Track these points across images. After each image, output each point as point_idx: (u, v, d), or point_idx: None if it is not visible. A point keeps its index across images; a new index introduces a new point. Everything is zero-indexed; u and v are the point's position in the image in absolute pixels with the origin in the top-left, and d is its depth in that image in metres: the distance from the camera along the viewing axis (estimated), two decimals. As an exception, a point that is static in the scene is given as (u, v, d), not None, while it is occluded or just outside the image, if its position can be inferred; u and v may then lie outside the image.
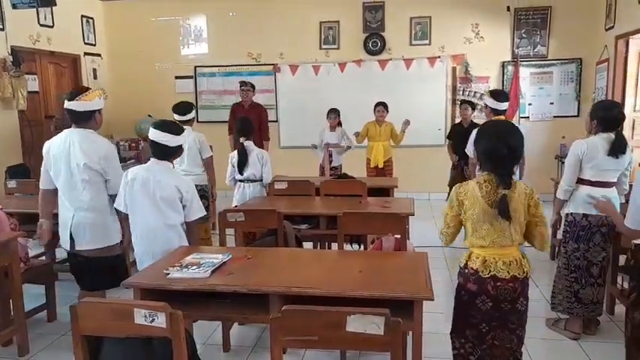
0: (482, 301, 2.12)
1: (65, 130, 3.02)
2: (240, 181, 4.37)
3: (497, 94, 4.34)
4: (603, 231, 3.12)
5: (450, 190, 7.00)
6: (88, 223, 2.99)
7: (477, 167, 4.26)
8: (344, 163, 6.18)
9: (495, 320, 2.13)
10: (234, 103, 6.40)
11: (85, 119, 2.96)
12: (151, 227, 2.79)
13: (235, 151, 4.37)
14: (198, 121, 7.71)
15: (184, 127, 4.56)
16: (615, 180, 3.15)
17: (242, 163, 4.30)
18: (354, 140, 6.05)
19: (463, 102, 6.29)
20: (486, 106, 4.39)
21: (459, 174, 6.15)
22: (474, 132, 4.31)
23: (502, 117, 4.30)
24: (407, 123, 5.93)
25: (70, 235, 2.99)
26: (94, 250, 3.02)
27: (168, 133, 2.81)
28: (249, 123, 4.50)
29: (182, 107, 4.66)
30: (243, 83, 6.14)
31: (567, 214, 3.23)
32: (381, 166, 5.99)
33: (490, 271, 2.09)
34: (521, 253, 2.16)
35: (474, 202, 2.08)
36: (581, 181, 3.14)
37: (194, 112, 4.77)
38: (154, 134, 2.81)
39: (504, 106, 4.31)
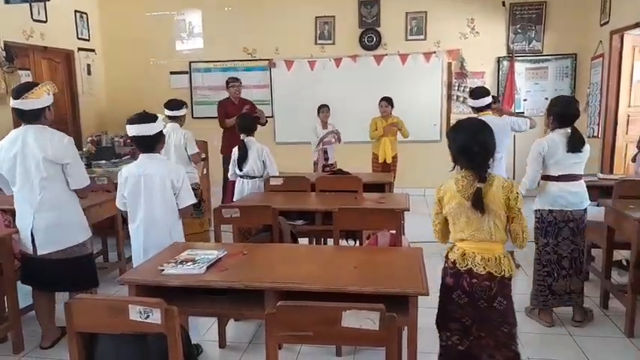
0: (458, 295, 2.17)
1: (14, 130, 2.92)
2: (240, 176, 4.40)
3: (472, 92, 4.39)
4: (571, 226, 3.20)
5: None
6: (51, 224, 2.90)
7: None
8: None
9: (475, 316, 2.16)
10: (222, 99, 6.35)
11: (34, 117, 2.86)
12: (147, 222, 2.82)
13: (237, 147, 4.41)
14: (193, 117, 7.72)
15: (172, 123, 4.63)
16: (581, 172, 3.24)
17: (241, 159, 4.33)
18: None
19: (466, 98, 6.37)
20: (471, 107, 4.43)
21: None
22: None
23: (489, 113, 4.25)
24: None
25: (32, 239, 2.92)
26: (59, 252, 2.95)
27: (144, 122, 2.79)
28: (252, 119, 4.53)
29: (173, 104, 4.70)
30: (234, 79, 6.09)
31: (535, 211, 3.32)
32: (389, 161, 6.02)
33: (467, 264, 2.13)
34: (504, 253, 2.16)
35: (450, 196, 2.15)
36: (547, 178, 3.23)
37: (185, 110, 4.78)
38: (132, 130, 2.80)
39: (482, 102, 4.26)
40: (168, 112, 4.62)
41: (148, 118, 2.83)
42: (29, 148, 2.83)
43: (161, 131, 2.88)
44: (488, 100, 4.30)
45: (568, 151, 3.12)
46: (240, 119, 4.57)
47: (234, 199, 4.43)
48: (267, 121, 6.22)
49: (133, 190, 2.81)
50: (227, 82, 6.11)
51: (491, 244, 2.13)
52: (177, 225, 2.94)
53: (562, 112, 3.17)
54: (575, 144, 3.11)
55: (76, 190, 2.99)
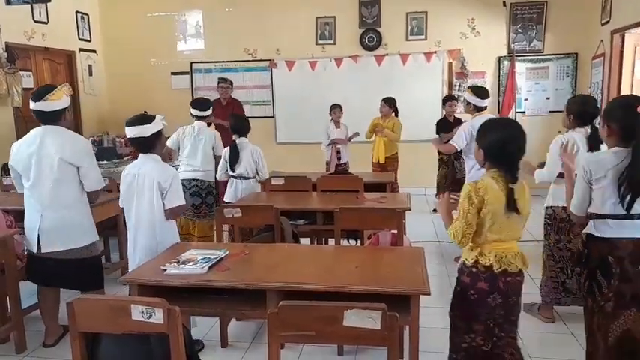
0: (493, 298, 2.12)
1: (33, 130, 2.97)
2: (233, 177, 4.39)
3: (480, 92, 4.39)
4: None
5: (439, 186, 7.02)
6: (59, 224, 2.93)
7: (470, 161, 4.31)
8: (351, 158, 6.19)
9: (501, 315, 2.14)
10: (213, 99, 6.36)
11: (54, 119, 2.93)
12: (138, 221, 2.83)
13: (228, 148, 4.39)
14: (193, 116, 7.71)
15: (200, 122, 4.63)
16: None
17: (233, 160, 4.32)
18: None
19: (447, 98, 6.36)
20: (468, 102, 4.43)
21: (451, 170, 6.20)
22: (468, 126, 4.36)
23: (484, 113, 4.33)
24: (355, 135, 6.06)
25: (38, 237, 2.94)
26: (65, 252, 2.96)
27: (139, 125, 2.79)
28: (244, 121, 4.52)
29: (201, 103, 4.71)
30: (222, 80, 6.12)
31: (547, 208, 3.32)
32: (382, 161, 5.99)
33: (502, 265, 2.09)
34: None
35: (495, 195, 2.07)
36: (561, 176, 3.20)
37: (211, 109, 4.78)
38: (128, 132, 2.81)
39: (486, 102, 4.37)
40: (196, 112, 4.63)
41: (144, 120, 2.83)
42: (46, 149, 2.87)
43: (158, 132, 2.85)
44: (488, 101, 4.46)
45: (588, 151, 3.10)
46: (232, 120, 4.55)
47: (225, 200, 4.44)
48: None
49: (127, 189, 2.84)
50: (217, 82, 6.15)
51: (514, 242, 2.15)
52: (165, 226, 2.87)
53: (580, 110, 3.15)
54: (595, 143, 3.07)
55: (90, 192, 3.03)
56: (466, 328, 2.19)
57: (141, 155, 2.87)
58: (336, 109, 6.04)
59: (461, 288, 2.19)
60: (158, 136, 2.88)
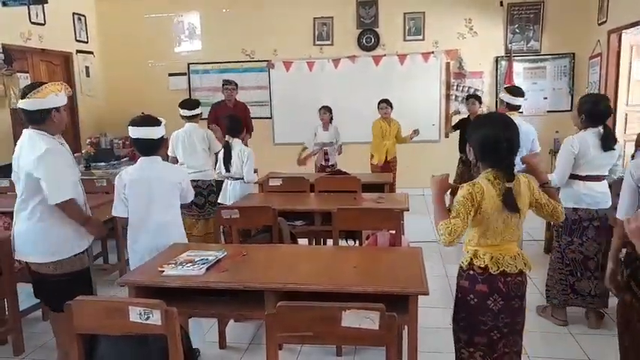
0: (494, 300, 1.99)
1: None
2: (226, 177, 4.42)
3: (513, 90, 4.25)
4: (595, 224, 3.16)
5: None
6: (28, 235, 2.65)
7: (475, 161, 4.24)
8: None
9: (506, 323, 2.01)
10: (215, 102, 6.25)
11: (38, 120, 2.58)
12: (159, 225, 2.79)
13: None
14: (182, 117, 7.70)
15: (190, 123, 4.69)
16: (606, 173, 3.20)
17: (226, 160, 4.33)
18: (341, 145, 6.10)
19: (470, 97, 6.27)
20: (502, 101, 4.28)
21: (468, 170, 6.16)
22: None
23: (515, 113, 4.12)
24: (416, 132, 5.98)
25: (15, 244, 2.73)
26: (41, 265, 2.66)
27: (149, 126, 2.77)
28: (239, 122, 4.50)
29: (189, 103, 4.83)
30: (227, 82, 5.97)
31: None
32: (389, 159, 6.02)
33: (499, 267, 1.97)
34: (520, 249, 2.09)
35: (490, 201, 1.94)
36: (573, 177, 3.18)
37: (200, 108, 4.85)
38: (135, 132, 2.75)
39: (518, 101, 4.16)
40: (184, 112, 4.70)
41: (152, 121, 2.81)
42: (20, 153, 2.63)
43: (163, 136, 2.87)
44: (522, 100, 4.24)
45: (600, 149, 3.08)
46: (227, 120, 4.55)
47: (219, 200, 4.47)
48: (249, 135, 5.98)
49: (140, 194, 2.77)
50: (222, 84, 6.03)
51: (514, 243, 2.04)
52: (179, 226, 2.98)
53: (592, 109, 3.08)
54: (608, 143, 3.07)
55: (55, 205, 2.59)
56: (467, 340, 2.05)
57: (143, 158, 2.80)
58: (321, 110, 5.95)
59: (461, 294, 2.06)
60: (163, 139, 2.89)
